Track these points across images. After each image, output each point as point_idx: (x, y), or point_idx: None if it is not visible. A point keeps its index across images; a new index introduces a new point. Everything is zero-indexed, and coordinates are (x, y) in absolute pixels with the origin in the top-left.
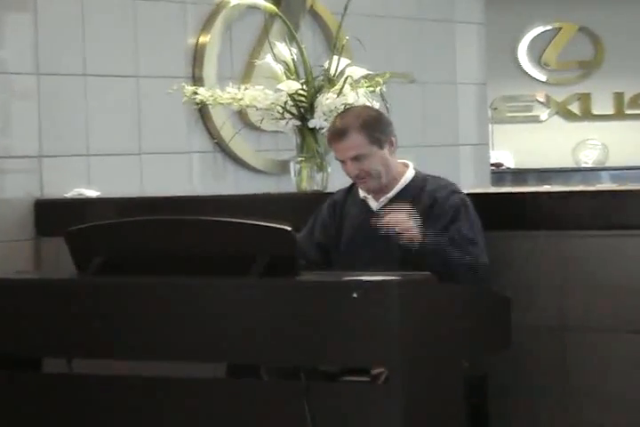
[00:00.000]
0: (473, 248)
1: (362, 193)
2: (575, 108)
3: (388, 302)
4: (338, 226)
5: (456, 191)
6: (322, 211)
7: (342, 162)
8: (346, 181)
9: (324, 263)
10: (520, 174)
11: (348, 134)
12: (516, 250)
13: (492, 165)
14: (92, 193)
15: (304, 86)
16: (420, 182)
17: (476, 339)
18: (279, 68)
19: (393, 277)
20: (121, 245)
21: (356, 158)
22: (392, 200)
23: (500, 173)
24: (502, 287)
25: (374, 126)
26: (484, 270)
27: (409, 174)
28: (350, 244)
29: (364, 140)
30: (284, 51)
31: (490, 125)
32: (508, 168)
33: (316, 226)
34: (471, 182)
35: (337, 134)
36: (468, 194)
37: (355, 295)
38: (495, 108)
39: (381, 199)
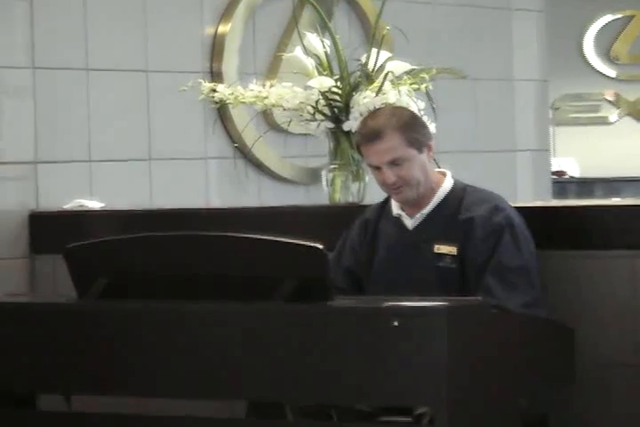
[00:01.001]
0: (520, 282)
1: (395, 209)
2: None
3: (433, 332)
4: (370, 248)
5: (499, 208)
6: (351, 231)
7: (376, 169)
8: (384, 193)
9: (354, 293)
10: (586, 185)
11: (383, 135)
12: (582, 273)
13: (554, 173)
14: (94, 205)
15: (338, 83)
16: (458, 194)
17: (535, 374)
18: (310, 63)
19: (439, 303)
20: (127, 265)
21: (394, 163)
22: (429, 216)
23: (562, 184)
24: (564, 316)
25: (412, 126)
26: (535, 305)
27: (447, 185)
28: (383, 267)
29: (403, 142)
30: (316, 42)
31: (551, 128)
32: (572, 177)
33: (345, 249)
34: (529, 194)
35: (370, 136)
36: (524, 208)
37: (395, 323)
38: (557, 109)
39: (417, 215)
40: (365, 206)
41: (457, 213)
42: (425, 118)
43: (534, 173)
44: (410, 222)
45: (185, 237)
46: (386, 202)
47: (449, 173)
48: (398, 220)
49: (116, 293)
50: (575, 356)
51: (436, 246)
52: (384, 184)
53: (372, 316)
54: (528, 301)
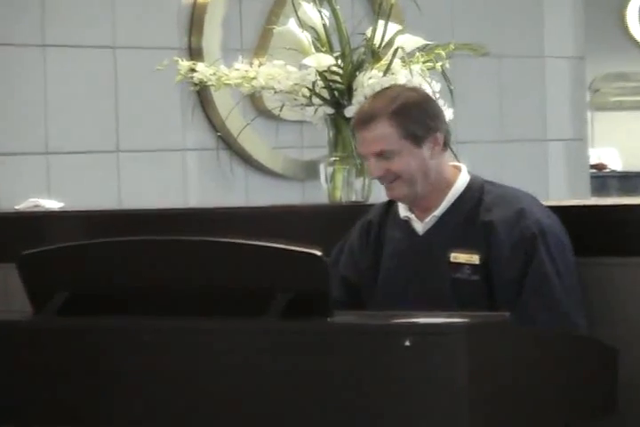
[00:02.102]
0: (562, 302)
1: (403, 211)
2: None
3: (452, 353)
4: (374, 256)
5: (526, 211)
6: (351, 235)
7: (365, 159)
8: None
9: (352, 306)
10: (629, 179)
11: (374, 121)
12: (625, 283)
13: (593, 166)
14: (52, 204)
15: (339, 61)
16: (476, 191)
17: (570, 403)
18: (305, 37)
19: (458, 319)
20: (92, 275)
21: (381, 155)
22: (442, 219)
23: (602, 178)
24: (605, 334)
25: (412, 115)
26: (577, 325)
27: (461, 181)
28: (389, 279)
29: (394, 133)
30: (313, 13)
31: (589, 114)
32: (614, 171)
33: (343, 255)
34: (564, 191)
35: (361, 120)
36: (558, 208)
37: (407, 343)
38: (596, 91)
39: (427, 219)
40: (371, 206)
41: (474, 214)
42: (440, 102)
43: (569, 167)
44: (420, 226)
45: (159, 243)
46: (392, 201)
47: (464, 168)
48: (406, 223)
49: (78, 308)
50: (617, 381)
51: (453, 255)
52: (374, 178)
53: (379, 334)
54: (572, 322)
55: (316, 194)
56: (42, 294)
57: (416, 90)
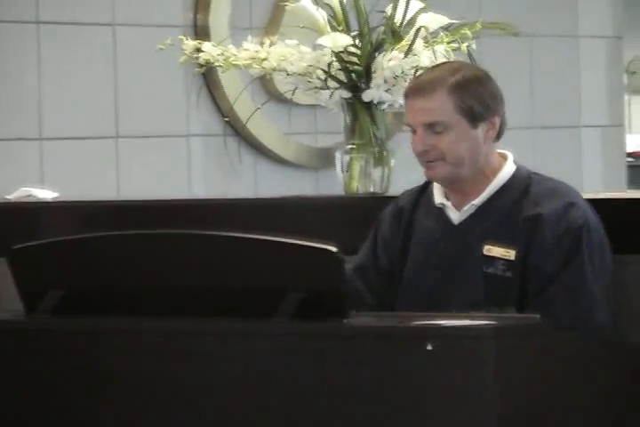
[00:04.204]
0: (596, 300)
1: (438, 197)
2: None
3: (479, 359)
4: (402, 244)
5: (575, 205)
6: (382, 222)
7: (413, 131)
8: (416, 180)
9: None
10: None
11: (431, 91)
12: None
13: (630, 155)
14: (46, 194)
15: (357, 41)
16: (522, 182)
17: (607, 415)
18: (320, 15)
19: (486, 322)
20: (88, 272)
21: (431, 128)
22: (482, 209)
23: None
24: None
25: (473, 90)
26: (610, 327)
27: (507, 170)
28: (418, 270)
29: (452, 105)
30: None
31: (626, 98)
32: None
33: (378, 243)
34: (598, 181)
35: (416, 88)
36: (592, 201)
37: (429, 347)
38: (634, 73)
39: (465, 207)
40: (391, 198)
41: (519, 206)
42: None
43: (604, 155)
44: (456, 215)
45: (162, 237)
46: (426, 187)
47: (510, 156)
48: (441, 211)
49: (73, 307)
50: None
51: (487, 247)
52: (415, 153)
53: (398, 338)
54: (603, 321)
55: (331, 184)
56: (34, 292)
57: (479, 68)
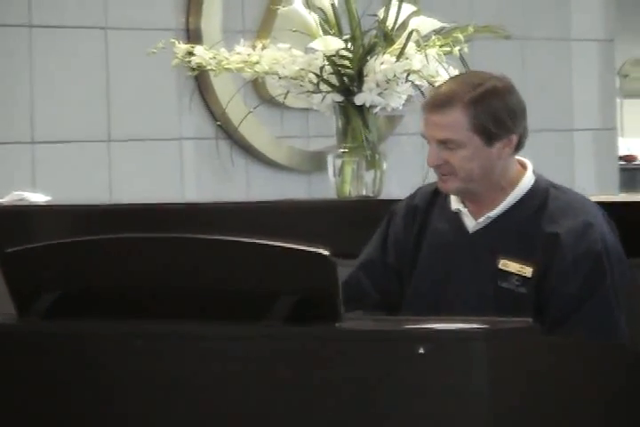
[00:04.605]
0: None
1: (455, 202)
2: None
3: (470, 362)
4: (414, 246)
5: (592, 224)
6: (394, 216)
7: (428, 142)
8: (409, 184)
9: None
10: None
11: (447, 106)
12: None
13: (622, 158)
14: (38, 198)
15: (349, 45)
16: (539, 196)
17: (602, 415)
18: (313, 19)
19: (478, 325)
20: (81, 275)
21: (445, 144)
22: (497, 221)
23: (632, 171)
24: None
25: (491, 108)
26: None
27: (525, 183)
28: (428, 274)
29: (465, 124)
30: None
31: (618, 101)
32: None
33: (389, 239)
34: (591, 185)
35: (433, 102)
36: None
37: (421, 351)
38: (626, 76)
39: (480, 218)
40: (383, 202)
41: (536, 222)
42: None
43: (597, 159)
44: (472, 223)
45: (155, 240)
46: None
47: (530, 166)
48: (457, 216)
49: (66, 311)
50: None
51: (502, 261)
52: (428, 164)
53: (391, 341)
54: (616, 335)
55: (323, 188)
56: (27, 295)
57: (502, 80)
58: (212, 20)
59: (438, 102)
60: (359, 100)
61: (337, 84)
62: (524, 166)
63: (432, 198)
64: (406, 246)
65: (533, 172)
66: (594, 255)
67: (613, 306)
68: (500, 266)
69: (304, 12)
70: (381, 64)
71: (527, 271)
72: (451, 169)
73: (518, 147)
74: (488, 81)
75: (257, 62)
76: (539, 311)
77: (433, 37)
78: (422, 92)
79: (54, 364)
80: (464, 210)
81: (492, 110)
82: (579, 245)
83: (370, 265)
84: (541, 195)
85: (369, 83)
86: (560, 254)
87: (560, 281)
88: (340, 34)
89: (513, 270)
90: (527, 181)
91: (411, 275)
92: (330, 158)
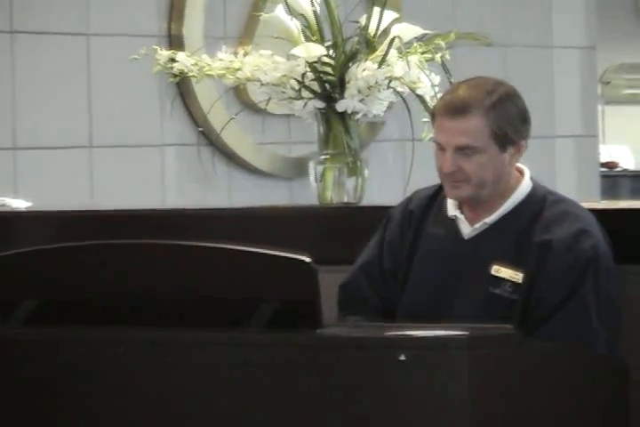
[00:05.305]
0: (597, 330)
1: (452, 208)
2: None
3: (451, 369)
4: (409, 251)
5: (586, 232)
6: (390, 221)
7: (440, 149)
8: (390, 190)
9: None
10: None
11: (467, 112)
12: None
13: (603, 165)
14: (19, 204)
15: (330, 52)
16: (536, 204)
17: (581, 421)
18: (294, 25)
19: (458, 332)
20: (62, 282)
21: (462, 150)
22: (494, 228)
23: (613, 178)
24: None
25: (508, 113)
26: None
27: (523, 189)
28: (422, 279)
29: (486, 130)
30: None
31: (600, 108)
32: (626, 170)
33: (385, 245)
34: (572, 192)
35: (451, 107)
36: None
37: (402, 358)
38: (608, 83)
39: (477, 224)
40: (365, 208)
41: (531, 230)
42: (440, 96)
43: (578, 165)
44: (467, 230)
45: (135, 247)
46: (438, 193)
47: (527, 173)
48: (452, 222)
49: (47, 318)
50: (629, 404)
51: (495, 267)
52: (440, 171)
53: (371, 348)
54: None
55: (305, 194)
56: (8, 302)
57: (508, 84)
58: (193, 26)
59: (457, 108)
60: (341, 106)
61: (319, 90)
62: (521, 173)
63: (428, 203)
64: (402, 252)
65: (531, 178)
66: (582, 263)
67: (591, 312)
68: (493, 272)
69: (286, 18)
70: (363, 71)
71: (519, 277)
72: (464, 176)
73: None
74: (500, 86)
75: (239, 69)
76: (525, 317)
77: (415, 44)
78: (404, 99)
79: (35, 371)
80: (461, 216)
81: (508, 116)
82: (570, 253)
83: (368, 267)
84: (538, 202)
85: (351, 89)
86: (550, 262)
87: (547, 288)
88: (321, 40)
89: (506, 276)
90: (525, 187)
91: (406, 280)
92: (311, 165)
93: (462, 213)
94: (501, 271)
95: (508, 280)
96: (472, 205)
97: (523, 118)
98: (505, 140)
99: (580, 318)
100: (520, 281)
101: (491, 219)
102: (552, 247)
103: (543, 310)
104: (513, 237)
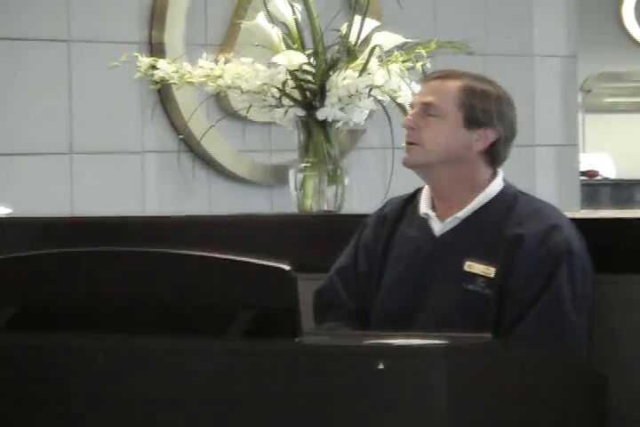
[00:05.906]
0: (572, 327)
1: (424, 207)
2: None
3: (429, 378)
4: (383, 253)
5: (558, 227)
6: (365, 227)
7: (411, 107)
8: (370, 198)
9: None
10: (624, 188)
11: (449, 78)
12: (619, 303)
13: (583, 174)
14: None
15: (311, 60)
16: (508, 201)
17: None
18: (275, 33)
19: (437, 341)
20: (41, 289)
21: (427, 110)
22: (465, 223)
23: (593, 186)
24: (599, 359)
25: (485, 100)
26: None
27: (494, 186)
28: (396, 282)
29: (457, 99)
30: (284, 7)
31: (580, 116)
32: (606, 179)
33: (359, 249)
34: (552, 200)
35: (439, 73)
36: None
37: (381, 366)
38: (589, 92)
39: (448, 219)
40: (345, 216)
41: (502, 225)
42: None
43: (558, 174)
44: (439, 227)
45: (115, 255)
46: (413, 197)
47: (500, 173)
48: (424, 221)
49: (25, 325)
50: (608, 411)
51: (468, 263)
52: (403, 126)
53: (350, 356)
54: (577, 350)
55: (285, 202)
56: None
57: (508, 95)
58: (175, 33)
59: (443, 74)
60: (321, 114)
61: (299, 98)
62: (495, 173)
63: (403, 207)
64: (375, 255)
65: (503, 179)
66: (554, 257)
67: (567, 305)
68: (466, 268)
69: (267, 26)
70: (344, 79)
71: (491, 272)
72: (418, 138)
73: (495, 159)
74: (500, 89)
75: (220, 76)
76: (501, 313)
77: (395, 53)
78: (384, 108)
79: (13, 377)
80: (432, 214)
81: (484, 101)
82: (542, 247)
83: (344, 272)
84: (510, 199)
85: (331, 98)
86: (522, 255)
87: (520, 283)
88: (302, 48)
89: (478, 272)
90: (497, 185)
91: (380, 283)
92: (291, 173)
93: (434, 211)
94: (474, 267)
95: (480, 276)
96: (441, 197)
97: (500, 116)
98: (473, 117)
99: (555, 310)
100: (492, 276)
101: (462, 213)
102: (524, 241)
103: (518, 306)
104: (484, 233)
